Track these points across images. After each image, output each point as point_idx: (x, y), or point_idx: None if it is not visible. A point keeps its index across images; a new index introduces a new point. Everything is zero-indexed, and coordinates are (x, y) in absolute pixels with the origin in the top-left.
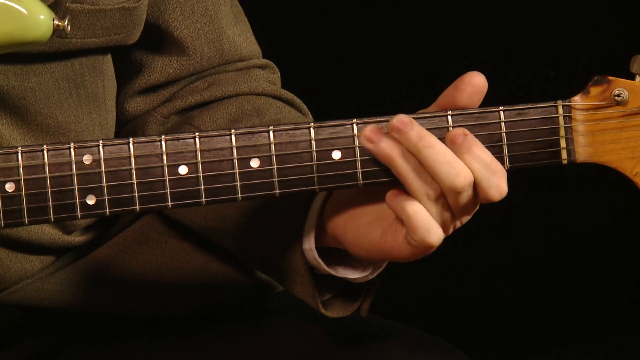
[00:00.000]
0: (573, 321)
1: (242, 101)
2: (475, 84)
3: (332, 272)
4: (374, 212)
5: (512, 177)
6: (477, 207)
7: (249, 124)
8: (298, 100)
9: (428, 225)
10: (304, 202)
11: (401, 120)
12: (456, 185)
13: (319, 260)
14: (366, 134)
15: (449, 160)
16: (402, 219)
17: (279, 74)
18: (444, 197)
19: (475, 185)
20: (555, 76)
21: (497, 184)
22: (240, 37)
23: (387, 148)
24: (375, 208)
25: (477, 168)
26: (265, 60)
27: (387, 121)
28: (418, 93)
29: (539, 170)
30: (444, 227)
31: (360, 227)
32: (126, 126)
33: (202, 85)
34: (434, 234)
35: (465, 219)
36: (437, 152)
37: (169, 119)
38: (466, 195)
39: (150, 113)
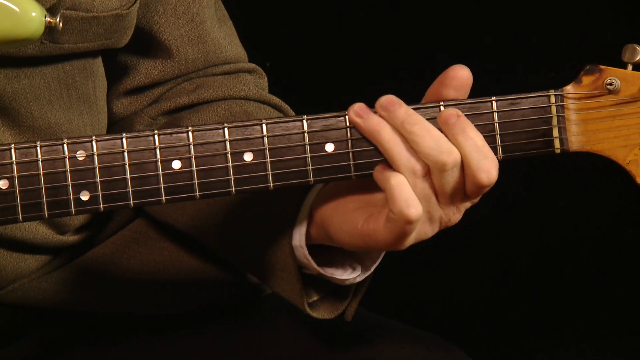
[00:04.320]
0: (573, 321)
1: (231, 104)
2: (460, 77)
3: (321, 271)
4: (362, 199)
5: (512, 177)
6: (467, 201)
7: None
8: (286, 106)
9: (408, 197)
10: (296, 198)
11: (390, 99)
12: (441, 161)
13: (309, 257)
14: (355, 109)
15: (435, 137)
16: (385, 190)
17: (266, 79)
18: (430, 177)
19: (465, 167)
20: (555, 76)
21: (487, 167)
22: (225, 40)
23: (375, 123)
24: (363, 196)
25: (469, 150)
26: (253, 65)
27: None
28: (413, 91)
29: (538, 170)
30: (429, 216)
31: (347, 212)
32: (113, 127)
33: (190, 87)
34: (413, 208)
35: (453, 214)
36: (424, 129)
37: (157, 120)
38: (451, 176)
39: (137, 114)
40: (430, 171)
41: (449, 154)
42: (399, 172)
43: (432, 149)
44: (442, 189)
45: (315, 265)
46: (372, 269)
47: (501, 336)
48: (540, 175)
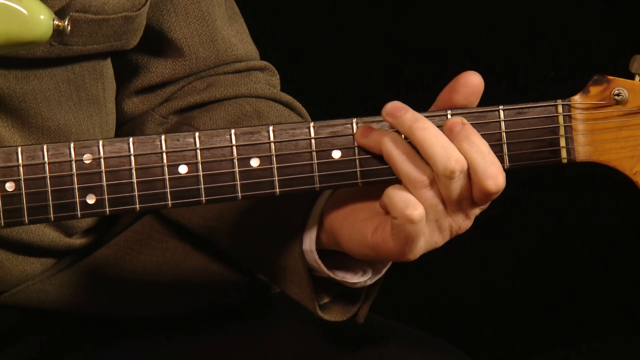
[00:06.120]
0: (573, 321)
1: (243, 103)
2: (471, 84)
3: (331, 274)
4: (371, 209)
5: (513, 177)
6: (476, 208)
7: (249, 125)
8: (297, 104)
9: (405, 199)
10: (306, 203)
11: (395, 105)
12: (448, 168)
13: (319, 262)
14: (359, 131)
15: (443, 143)
16: (385, 201)
17: (278, 77)
18: (436, 186)
19: (471, 175)
20: (555, 76)
21: (494, 174)
22: (236, 38)
23: (378, 136)
24: (373, 206)
25: (474, 157)
26: (264, 62)
27: (383, 121)
28: (418, 94)
29: (539, 170)
30: (438, 224)
31: (357, 222)
32: (124, 126)
33: (201, 86)
34: (412, 207)
35: (463, 222)
36: (431, 135)
37: (168, 119)
38: (458, 184)
39: (148, 113)
40: (437, 179)
41: (456, 162)
42: (405, 184)
43: (440, 156)
44: (449, 196)
45: (325, 270)
46: (383, 271)
47: (501, 336)
48: (539, 176)
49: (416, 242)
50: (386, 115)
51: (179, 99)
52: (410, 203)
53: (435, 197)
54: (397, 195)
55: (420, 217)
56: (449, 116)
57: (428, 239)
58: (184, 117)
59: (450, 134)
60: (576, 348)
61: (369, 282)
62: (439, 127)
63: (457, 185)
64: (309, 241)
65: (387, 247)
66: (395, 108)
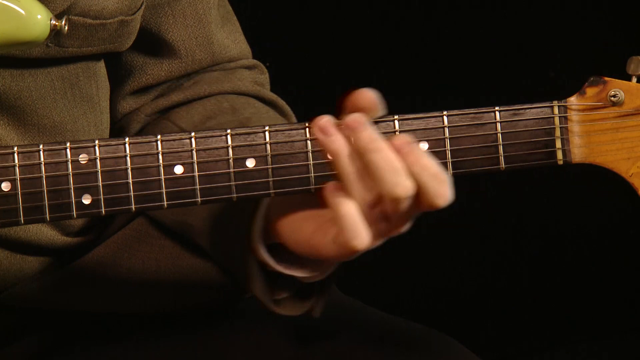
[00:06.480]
0: (573, 321)
1: (221, 100)
2: (370, 101)
3: (281, 269)
4: (315, 213)
5: (511, 177)
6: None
7: (222, 120)
8: (281, 102)
9: (357, 229)
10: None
11: (357, 119)
12: (396, 195)
13: (265, 256)
14: (320, 124)
15: (394, 168)
16: (334, 215)
17: (267, 75)
18: (381, 207)
19: (421, 194)
20: (555, 76)
21: (444, 193)
22: (229, 39)
23: (338, 144)
24: (317, 205)
25: (426, 180)
26: (254, 61)
27: (382, 121)
28: (415, 94)
29: (538, 170)
30: (378, 233)
31: (298, 220)
32: (115, 125)
33: (187, 84)
34: (360, 240)
35: (402, 227)
36: (383, 158)
37: (151, 117)
38: (405, 204)
39: (134, 112)
40: (384, 200)
41: (403, 189)
42: (350, 196)
43: (388, 182)
44: (394, 213)
45: (272, 264)
46: (332, 267)
47: (501, 336)
48: (541, 176)
49: (357, 254)
50: (346, 127)
51: (163, 98)
52: (358, 234)
53: (380, 214)
54: (349, 222)
55: (364, 248)
56: (445, 118)
57: (368, 245)
58: (166, 115)
59: (398, 154)
60: (575, 348)
61: (319, 278)
62: (437, 128)
63: (404, 206)
64: (257, 235)
65: (324, 252)
66: (357, 122)
